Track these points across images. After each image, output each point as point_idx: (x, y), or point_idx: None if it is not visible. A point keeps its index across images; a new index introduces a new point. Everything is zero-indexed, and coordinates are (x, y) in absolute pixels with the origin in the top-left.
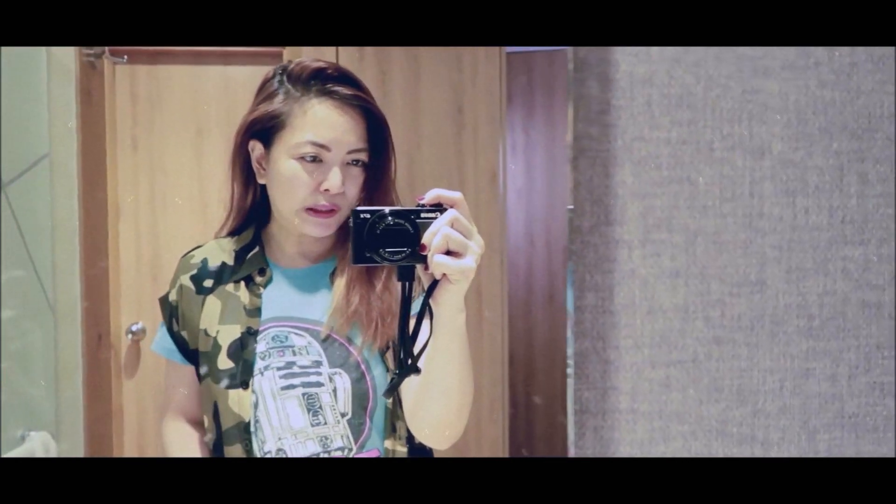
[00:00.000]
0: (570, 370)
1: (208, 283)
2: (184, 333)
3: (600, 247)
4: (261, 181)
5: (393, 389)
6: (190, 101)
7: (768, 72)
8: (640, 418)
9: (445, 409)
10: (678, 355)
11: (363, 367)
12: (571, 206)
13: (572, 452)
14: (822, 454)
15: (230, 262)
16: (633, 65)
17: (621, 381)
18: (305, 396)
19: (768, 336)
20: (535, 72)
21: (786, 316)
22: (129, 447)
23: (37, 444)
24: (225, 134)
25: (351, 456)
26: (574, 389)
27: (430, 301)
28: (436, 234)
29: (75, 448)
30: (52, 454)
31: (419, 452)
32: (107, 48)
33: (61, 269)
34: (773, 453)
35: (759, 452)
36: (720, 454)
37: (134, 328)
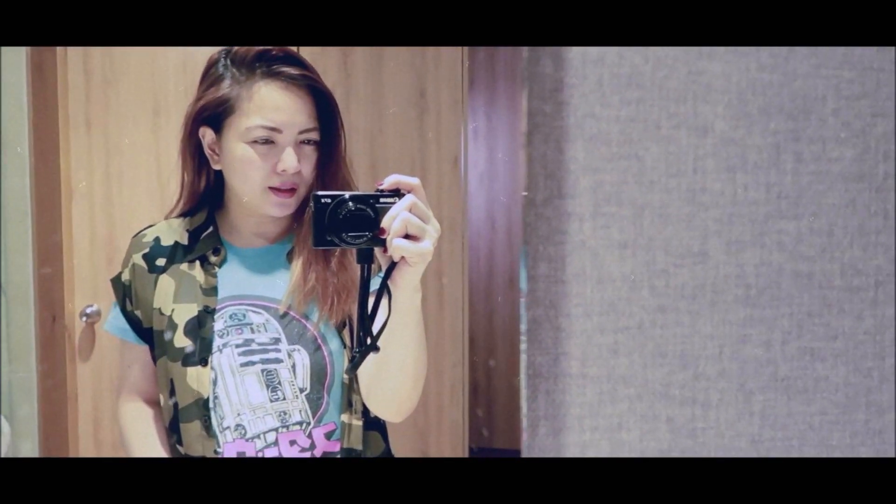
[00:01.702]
0: (523, 336)
1: (161, 261)
2: (137, 313)
3: (553, 219)
4: (215, 167)
5: (355, 367)
6: (147, 80)
7: (712, 54)
8: (589, 382)
9: (401, 383)
10: (625, 322)
11: (321, 342)
12: (525, 193)
13: (525, 415)
14: (757, 414)
15: (183, 241)
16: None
17: (572, 346)
18: (265, 373)
19: (709, 304)
20: (497, 57)
21: (725, 285)
22: (83, 430)
23: None
24: (182, 113)
25: (308, 430)
26: (527, 355)
27: (389, 282)
28: (395, 219)
29: (29, 430)
30: (6, 436)
31: (374, 426)
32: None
33: (12, 249)
34: (712, 414)
35: (699, 413)
36: (663, 415)
37: (88, 310)
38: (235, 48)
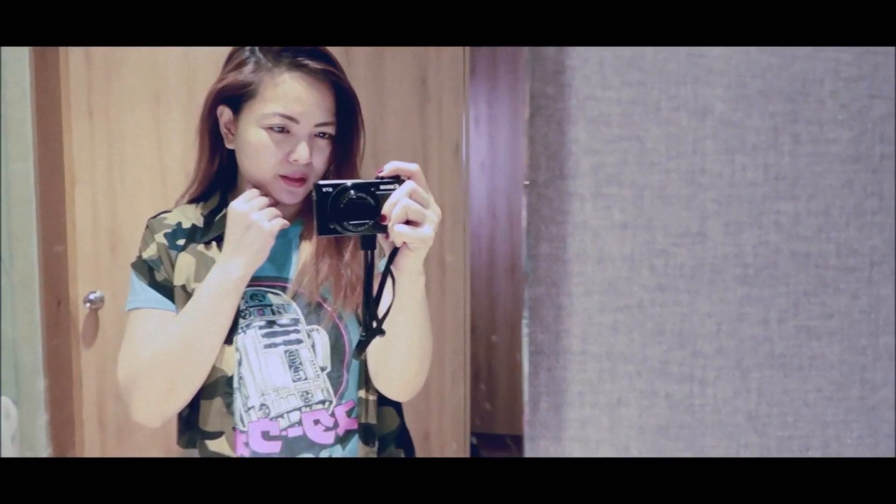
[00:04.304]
0: (525, 313)
1: (181, 242)
2: (168, 282)
3: (555, 200)
4: (229, 146)
5: (361, 351)
6: (148, 66)
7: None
8: (589, 359)
9: (407, 364)
10: (625, 301)
11: (338, 321)
12: (526, 182)
13: (527, 392)
14: (753, 391)
15: (200, 224)
16: None
17: (573, 324)
18: (287, 353)
19: (707, 283)
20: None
21: (723, 265)
22: (87, 414)
23: None
24: (184, 100)
25: (332, 409)
26: (529, 332)
27: (392, 267)
28: (395, 205)
29: (36, 413)
30: (13, 419)
31: (389, 401)
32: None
33: (16, 234)
34: (710, 390)
35: (696, 390)
36: (662, 392)
37: (92, 296)
38: None
